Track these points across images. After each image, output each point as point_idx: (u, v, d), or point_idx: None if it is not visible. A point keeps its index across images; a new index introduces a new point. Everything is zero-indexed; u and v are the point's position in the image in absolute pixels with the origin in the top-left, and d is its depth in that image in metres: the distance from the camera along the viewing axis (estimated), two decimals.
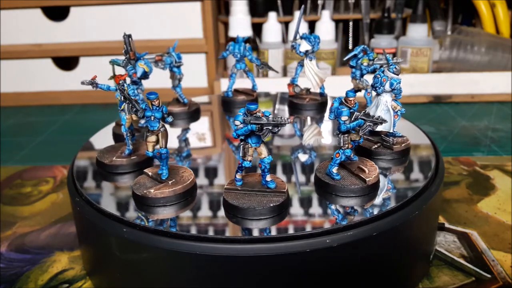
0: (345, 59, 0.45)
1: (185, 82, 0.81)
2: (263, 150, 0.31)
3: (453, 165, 0.54)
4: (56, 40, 0.82)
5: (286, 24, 0.86)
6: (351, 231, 0.29)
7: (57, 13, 0.81)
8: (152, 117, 0.32)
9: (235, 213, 0.30)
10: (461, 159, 0.56)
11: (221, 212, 0.32)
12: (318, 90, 0.51)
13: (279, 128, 0.29)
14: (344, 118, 0.31)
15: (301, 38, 0.48)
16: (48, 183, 0.54)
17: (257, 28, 0.86)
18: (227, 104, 0.54)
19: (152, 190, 0.32)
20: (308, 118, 0.50)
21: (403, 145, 0.38)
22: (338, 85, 0.50)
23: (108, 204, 0.33)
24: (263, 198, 0.31)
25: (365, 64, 0.44)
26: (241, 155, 0.31)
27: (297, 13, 0.81)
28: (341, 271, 0.29)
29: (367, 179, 0.32)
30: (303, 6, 0.51)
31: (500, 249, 0.39)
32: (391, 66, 0.35)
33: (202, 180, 0.37)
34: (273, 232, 0.29)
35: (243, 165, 0.31)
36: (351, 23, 0.91)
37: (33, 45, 0.82)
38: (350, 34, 0.92)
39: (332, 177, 0.33)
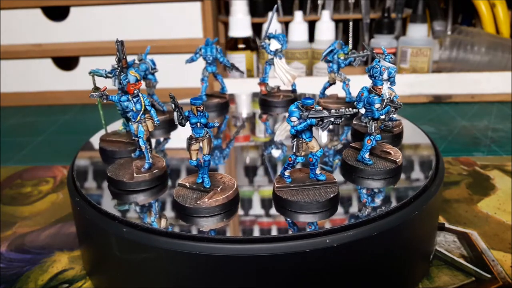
0: (323, 54, 0.47)
1: (185, 82, 0.82)
2: (315, 144, 0.31)
3: (453, 165, 0.54)
4: (56, 40, 0.82)
5: (286, 24, 0.86)
6: (351, 231, 0.29)
7: (57, 13, 0.81)
8: (198, 124, 0.31)
9: (296, 209, 0.30)
10: (461, 159, 0.56)
11: (274, 211, 0.32)
12: (290, 87, 0.53)
13: (342, 119, 0.30)
14: (377, 105, 0.33)
15: (269, 37, 0.50)
16: (48, 183, 0.54)
17: (257, 28, 0.86)
18: None
19: (206, 200, 0.30)
20: (281, 115, 0.52)
21: (400, 127, 0.42)
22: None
23: (108, 204, 0.33)
24: (319, 191, 0.31)
25: (342, 58, 0.47)
26: (294, 151, 0.31)
27: (298, 13, 0.81)
28: (341, 271, 0.29)
29: (397, 160, 0.34)
30: (275, 6, 0.53)
31: (500, 249, 0.39)
32: (387, 57, 0.36)
33: None
34: (327, 224, 0.29)
35: (296, 160, 0.31)
36: (351, 23, 0.91)
37: (33, 45, 0.82)
38: (350, 34, 0.92)
39: (365, 163, 0.35)
